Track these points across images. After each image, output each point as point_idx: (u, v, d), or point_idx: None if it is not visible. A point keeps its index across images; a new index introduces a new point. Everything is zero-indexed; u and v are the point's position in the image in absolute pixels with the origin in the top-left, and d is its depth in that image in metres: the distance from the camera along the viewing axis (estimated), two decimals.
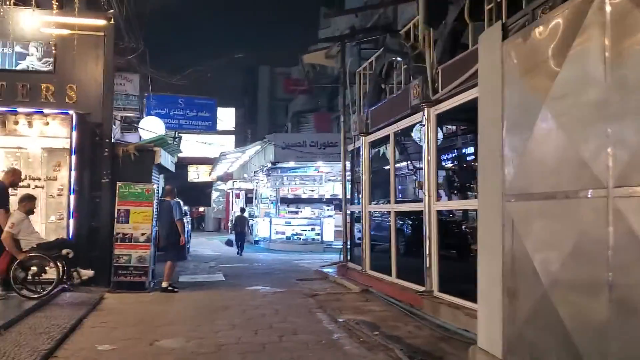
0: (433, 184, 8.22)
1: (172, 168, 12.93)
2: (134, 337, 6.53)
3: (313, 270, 14.20)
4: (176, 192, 10.86)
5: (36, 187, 9.93)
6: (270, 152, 21.66)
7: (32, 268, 8.30)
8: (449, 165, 14.29)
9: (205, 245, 24.93)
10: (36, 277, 8.33)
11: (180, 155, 32.57)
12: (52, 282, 8.33)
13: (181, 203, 10.88)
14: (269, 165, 22.22)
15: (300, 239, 22.13)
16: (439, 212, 8.33)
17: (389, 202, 10.34)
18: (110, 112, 10.86)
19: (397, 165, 11.92)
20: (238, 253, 19.67)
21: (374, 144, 11.15)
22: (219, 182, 40.69)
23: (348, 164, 12.95)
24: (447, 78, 7.52)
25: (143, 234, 10.35)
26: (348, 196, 12.89)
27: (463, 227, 10.58)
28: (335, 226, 22.89)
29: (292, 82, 42.77)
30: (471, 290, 5.54)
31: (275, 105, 46.11)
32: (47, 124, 9.95)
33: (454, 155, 14.54)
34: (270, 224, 22.67)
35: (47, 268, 8.41)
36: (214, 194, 44.02)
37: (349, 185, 13.05)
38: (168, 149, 12.12)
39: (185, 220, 18.09)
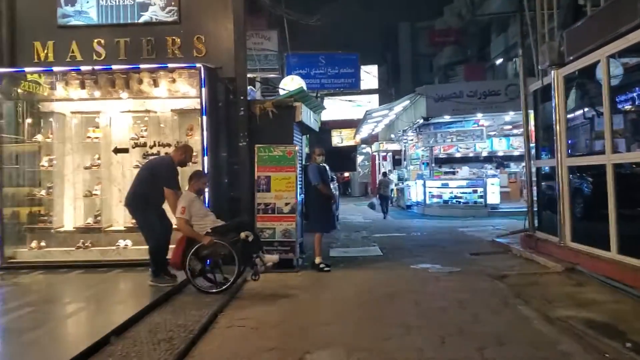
0: None
1: (315, 127, 11.25)
2: (278, 345, 4.87)
3: (486, 241, 11.87)
4: (321, 154, 9.15)
5: (167, 154, 8.75)
6: (422, 107, 19.29)
7: (210, 256, 6.99)
8: None
9: (354, 212, 23.45)
10: (215, 268, 7.04)
11: (323, 119, 31.58)
12: (233, 272, 6.97)
13: (323, 167, 9.17)
14: (420, 121, 19.88)
15: (459, 202, 19.68)
16: None
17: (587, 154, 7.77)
18: (244, 66, 9.34)
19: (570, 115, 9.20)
20: (384, 217, 19.48)
21: (569, 80, 8.47)
22: (363, 145, 39.16)
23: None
24: None
25: (287, 204, 8.82)
26: (532, 150, 10.31)
27: None
28: (501, 187, 20.21)
29: (438, 34, 39.68)
30: None
31: (417, 61, 43.31)
32: (174, 81, 8.65)
33: None
34: (425, 187, 20.47)
35: (226, 255, 7.05)
36: (359, 158, 42.64)
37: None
38: (310, 105, 10.43)
39: (332, 186, 16.71)
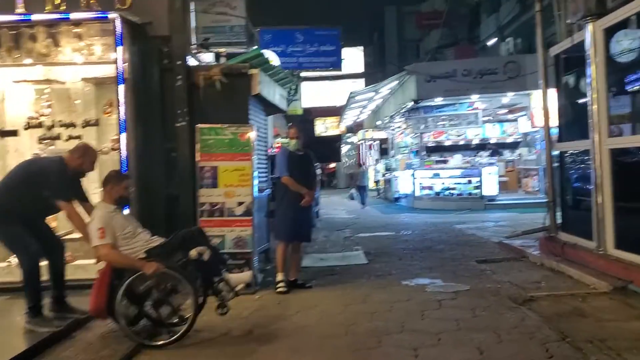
0: None
1: (282, 105, 9.04)
2: None
3: (492, 242, 9.82)
4: (295, 136, 6.86)
5: (70, 137, 6.53)
6: (411, 88, 17.17)
7: (151, 292, 4.83)
8: None
9: (338, 205, 21.37)
10: (162, 306, 4.87)
11: (305, 106, 29.37)
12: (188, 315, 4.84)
13: (298, 154, 6.87)
14: (410, 104, 17.76)
15: (452, 194, 17.63)
16: None
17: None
18: (183, 20, 7.15)
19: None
20: (362, 208, 19.17)
21: (610, 33, 6.34)
22: (348, 134, 37.10)
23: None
24: None
25: (241, 204, 6.68)
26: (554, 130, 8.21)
27: None
28: (499, 176, 18.20)
29: (425, 16, 37.75)
30: None
31: (404, 47, 41.27)
32: (79, 37, 6.37)
33: None
34: (414, 177, 18.39)
35: (174, 287, 4.91)
36: (344, 148, 40.62)
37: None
38: (274, 76, 8.25)
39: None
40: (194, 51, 8.75)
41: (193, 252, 4.83)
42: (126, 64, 6.33)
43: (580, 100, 7.26)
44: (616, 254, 6.18)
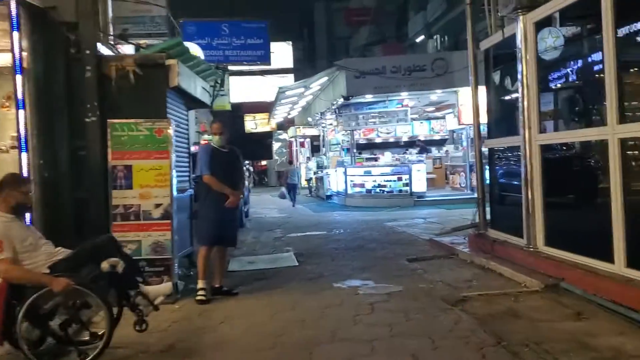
0: None
1: (205, 99, 8.53)
2: None
3: (422, 239, 9.72)
4: (219, 132, 6.33)
5: None
6: (341, 84, 16.96)
7: (56, 311, 4.24)
8: None
9: (269, 204, 20.92)
10: (71, 325, 4.31)
11: (233, 101, 28.61)
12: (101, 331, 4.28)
13: (223, 151, 6.38)
14: (340, 101, 17.56)
15: (383, 191, 17.60)
16: None
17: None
18: (94, 7, 6.53)
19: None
20: (293, 206, 19.07)
21: (541, 27, 6.28)
22: (279, 131, 36.64)
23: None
24: None
25: (158, 206, 6.15)
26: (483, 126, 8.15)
27: None
28: (427, 173, 18.36)
29: (354, 12, 37.94)
30: None
31: (334, 44, 41.30)
32: None
33: None
34: (346, 175, 18.22)
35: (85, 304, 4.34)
36: (275, 145, 40.12)
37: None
38: (195, 67, 7.73)
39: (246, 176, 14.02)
40: (111, 42, 8.13)
41: (104, 265, 4.30)
42: (25, 52, 5.66)
43: (511, 96, 7.23)
44: (547, 251, 6.13)
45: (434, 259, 7.88)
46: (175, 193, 6.29)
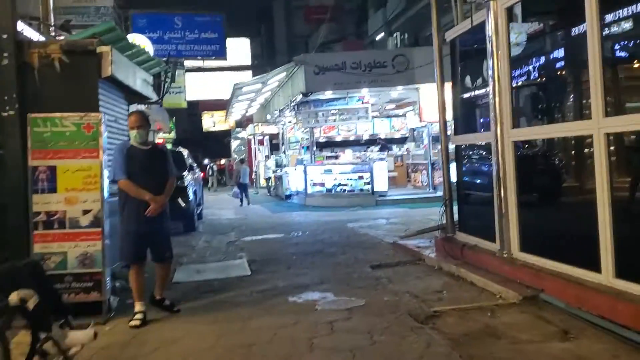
0: None
1: (148, 93, 7.70)
2: None
3: (386, 242, 9.14)
4: (137, 125, 5.36)
5: None
6: (300, 80, 16.29)
7: None
8: None
9: (226, 204, 20.09)
10: None
11: (189, 98, 27.62)
12: None
13: (145, 150, 5.54)
14: (299, 97, 16.90)
15: (345, 190, 17.03)
16: None
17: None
18: None
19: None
20: (242, 205, 19.01)
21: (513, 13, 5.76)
22: (238, 129, 35.76)
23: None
24: None
25: (87, 212, 5.36)
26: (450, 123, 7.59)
27: None
28: (389, 172, 17.89)
29: (313, 10, 37.41)
30: None
31: (293, 42, 40.67)
32: None
33: None
34: (305, 173, 17.58)
35: None
36: (234, 143, 39.24)
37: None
38: (135, 57, 6.93)
39: (190, 176, 13.24)
40: (53, 34, 7.29)
41: (13, 297, 3.52)
42: None
43: (480, 91, 6.70)
44: (523, 257, 5.60)
45: (399, 266, 7.30)
46: (107, 197, 5.51)
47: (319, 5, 36.58)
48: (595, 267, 4.48)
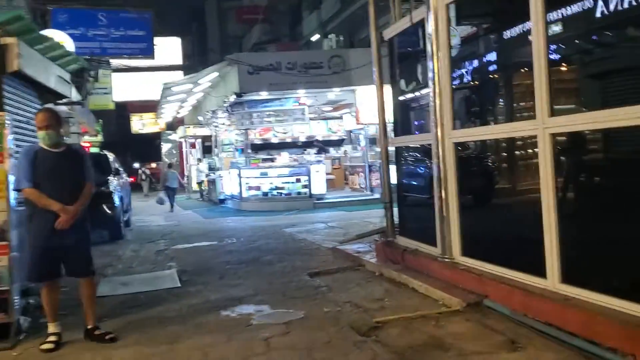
0: None
1: (65, 92, 7.04)
2: None
3: (325, 248, 8.86)
4: (45, 125, 4.71)
5: None
6: (233, 80, 15.82)
7: None
8: None
9: (156, 210, 19.25)
10: None
11: (117, 99, 26.44)
12: None
13: (54, 153, 4.80)
14: (232, 98, 16.40)
15: (281, 194, 16.68)
16: None
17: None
18: None
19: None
20: (171, 210, 18.65)
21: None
22: (169, 132, 34.66)
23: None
24: None
25: None
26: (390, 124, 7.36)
27: None
28: (326, 174, 17.68)
29: (245, 11, 36.96)
30: None
31: (227, 43, 40.00)
32: None
33: None
34: (240, 177, 17.09)
35: None
36: (165, 146, 38.04)
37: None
38: (49, 51, 6.29)
39: (116, 181, 12.50)
40: None
41: None
42: None
43: (419, 92, 6.53)
44: (465, 261, 5.43)
45: (338, 272, 7.01)
46: (15, 205, 4.91)
47: (251, 5, 36.18)
48: (541, 271, 4.33)
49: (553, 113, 4.12)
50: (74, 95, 7.83)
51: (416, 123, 7.02)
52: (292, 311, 5.29)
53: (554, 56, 4.60)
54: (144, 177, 31.58)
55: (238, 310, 5.52)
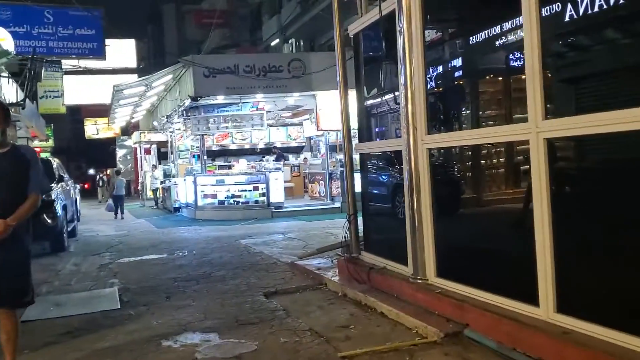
0: None
1: None
2: None
3: (282, 262, 8.18)
4: None
5: None
6: (189, 84, 14.99)
7: None
8: None
9: (106, 219, 18.23)
10: None
11: (69, 102, 25.17)
12: None
13: None
14: (187, 102, 15.57)
15: (238, 202, 15.92)
16: None
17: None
18: None
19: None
20: (117, 217, 18.40)
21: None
22: (124, 137, 33.42)
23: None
24: None
25: None
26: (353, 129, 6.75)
27: None
28: (285, 182, 17.02)
29: (204, 14, 36.19)
30: None
31: (185, 48, 38.98)
32: None
33: None
34: (195, 184, 16.25)
35: None
36: (120, 152, 36.66)
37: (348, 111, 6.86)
38: None
39: (59, 189, 11.54)
40: None
41: None
42: None
43: (388, 95, 5.93)
44: (441, 284, 4.84)
45: (297, 292, 6.35)
46: None
47: (211, 9, 35.47)
48: (532, 298, 3.77)
49: (548, 115, 3.57)
50: (14, 94, 6.93)
51: (383, 128, 6.42)
52: (244, 341, 4.59)
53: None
54: (101, 183, 30.96)
55: (182, 339, 4.78)
